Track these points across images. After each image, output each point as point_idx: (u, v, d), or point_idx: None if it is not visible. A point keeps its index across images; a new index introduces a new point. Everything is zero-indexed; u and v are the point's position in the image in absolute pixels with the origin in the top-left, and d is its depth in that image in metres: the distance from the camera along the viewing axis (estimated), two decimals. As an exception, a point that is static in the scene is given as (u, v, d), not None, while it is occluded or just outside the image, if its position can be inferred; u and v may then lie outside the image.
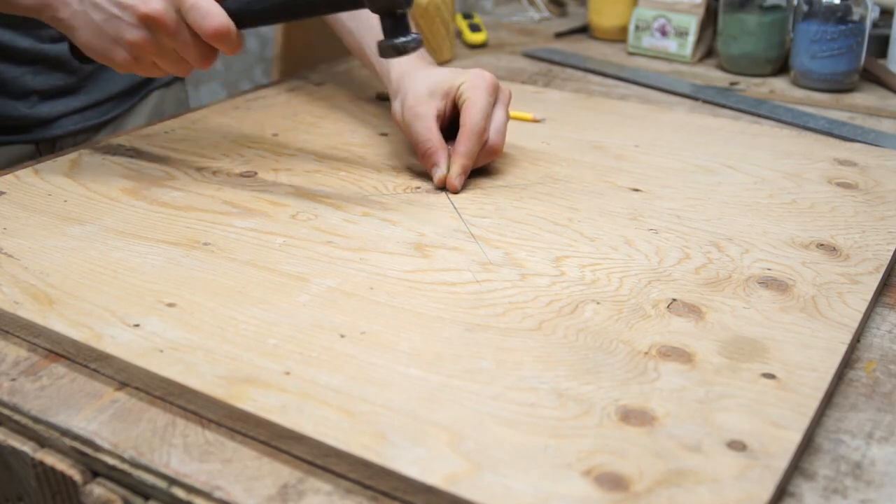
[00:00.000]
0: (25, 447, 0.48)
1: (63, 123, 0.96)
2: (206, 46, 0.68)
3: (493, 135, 0.74)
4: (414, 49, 0.66)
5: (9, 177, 0.74)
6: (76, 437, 0.47)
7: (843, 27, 1.00)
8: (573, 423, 0.45)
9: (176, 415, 0.48)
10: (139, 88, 1.04)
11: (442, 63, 1.12)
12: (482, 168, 0.76)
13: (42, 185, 0.73)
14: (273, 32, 2.48)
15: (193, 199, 0.70)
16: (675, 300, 0.56)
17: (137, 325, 0.53)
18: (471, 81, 0.74)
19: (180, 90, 1.11)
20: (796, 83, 1.06)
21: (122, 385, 0.50)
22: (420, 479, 0.41)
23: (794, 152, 0.81)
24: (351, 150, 0.81)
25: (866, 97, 1.02)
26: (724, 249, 0.63)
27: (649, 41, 1.17)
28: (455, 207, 0.69)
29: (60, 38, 0.92)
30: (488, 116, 0.74)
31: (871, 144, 0.85)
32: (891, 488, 0.43)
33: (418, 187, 0.73)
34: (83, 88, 0.97)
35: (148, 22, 0.66)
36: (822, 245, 0.64)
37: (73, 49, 0.75)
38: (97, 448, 0.46)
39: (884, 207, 0.70)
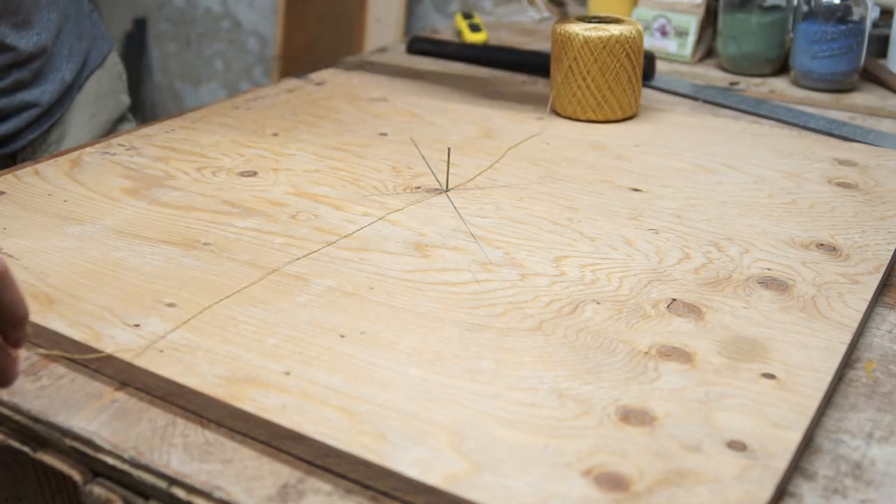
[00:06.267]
0: (25, 447, 0.48)
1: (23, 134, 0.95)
2: None
3: None
4: None
5: (9, 177, 0.74)
6: (76, 437, 0.47)
7: (843, 27, 1.00)
8: (573, 423, 0.45)
9: (176, 415, 0.48)
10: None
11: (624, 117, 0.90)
12: (482, 168, 0.76)
13: (42, 185, 0.73)
14: (273, 32, 2.49)
15: (193, 199, 0.70)
16: (675, 300, 0.56)
17: (137, 325, 0.53)
18: None
19: (114, 64, 1.06)
20: (796, 83, 1.06)
21: (122, 385, 0.50)
22: (420, 479, 0.41)
23: (794, 152, 0.81)
24: (351, 150, 0.81)
25: (866, 97, 1.02)
26: (724, 249, 0.63)
27: (649, 41, 1.17)
28: (455, 207, 0.69)
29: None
30: None
31: (871, 144, 0.85)
32: (891, 488, 0.43)
33: (418, 187, 0.73)
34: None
35: None
36: (822, 245, 0.64)
37: None
38: (97, 448, 0.46)
39: (884, 207, 0.70)
